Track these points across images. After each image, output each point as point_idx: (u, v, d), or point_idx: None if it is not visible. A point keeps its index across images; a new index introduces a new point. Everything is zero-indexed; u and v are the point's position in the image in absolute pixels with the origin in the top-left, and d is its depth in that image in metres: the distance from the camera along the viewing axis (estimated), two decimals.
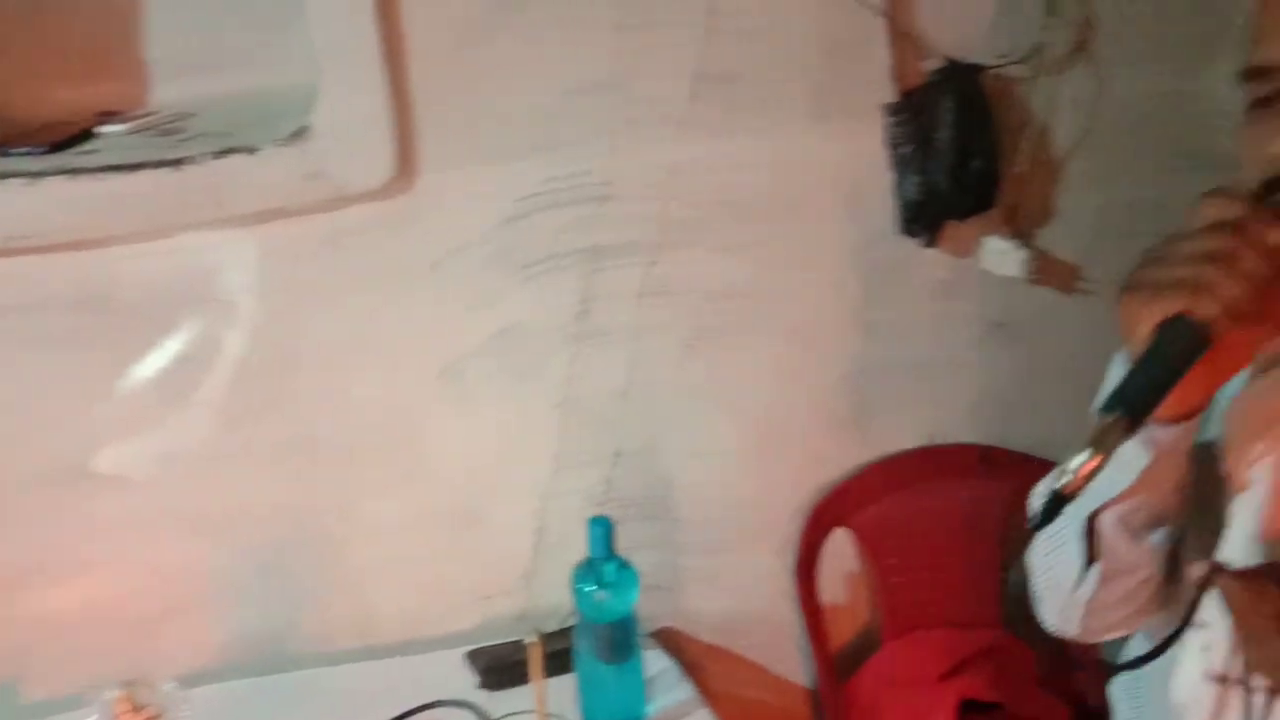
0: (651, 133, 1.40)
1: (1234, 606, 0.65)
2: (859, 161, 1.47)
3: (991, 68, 1.42)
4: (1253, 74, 0.70)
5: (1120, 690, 0.99)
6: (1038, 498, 0.78)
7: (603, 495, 1.57)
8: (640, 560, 1.61)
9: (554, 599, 1.48)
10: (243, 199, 1.31)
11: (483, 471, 1.52)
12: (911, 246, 1.52)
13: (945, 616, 1.64)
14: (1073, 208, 1.57)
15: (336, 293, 1.41)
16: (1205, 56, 1.47)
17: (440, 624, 1.54)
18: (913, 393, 1.62)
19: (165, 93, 1.37)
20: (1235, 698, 0.72)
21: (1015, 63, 1.43)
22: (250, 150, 1.29)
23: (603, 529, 1.27)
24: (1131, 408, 0.63)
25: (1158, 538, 0.80)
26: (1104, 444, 0.62)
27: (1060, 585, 0.88)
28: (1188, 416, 0.71)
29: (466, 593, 1.56)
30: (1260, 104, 0.70)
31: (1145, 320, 0.64)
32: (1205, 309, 0.61)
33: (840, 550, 1.67)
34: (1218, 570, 0.67)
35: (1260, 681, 0.69)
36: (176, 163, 1.27)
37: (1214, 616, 0.71)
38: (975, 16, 1.42)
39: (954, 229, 1.50)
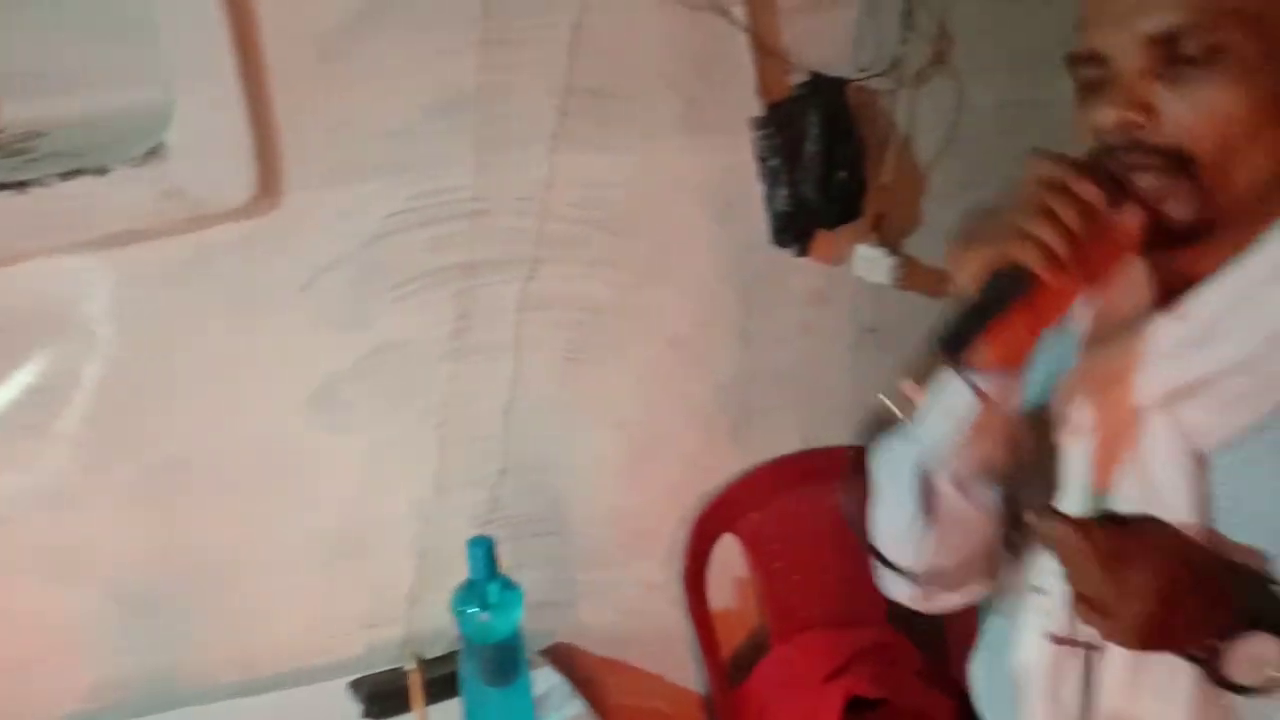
0: (522, 147, 1.40)
1: (1059, 545, 0.68)
2: (730, 174, 1.50)
3: (854, 81, 1.46)
4: (1078, 60, 0.74)
5: (976, 668, 0.99)
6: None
7: (488, 514, 1.56)
8: (530, 577, 1.60)
9: (440, 623, 1.45)
10: (95, 222, 1.26)
11: (362, 496, 1.48)
12: (784, 256, 1.55)
13: (831, 616, 1.67)
14: (938, 215, 1.62)
15: (202, 316, 1.36)
16: (1058, 66, 1.54)
17: (324, 654, 1.50)
18: (790, 398, 1.66)
19: (11, 111, 1.31)
20: (1074, 657, 0.76)
21: (877, 76, 1.48)
22: (101, 171, 1.24)
23: (483, 549, 1.25)
24: (950, 343, 0.67)
25: (988, 495, 0.82)
26: (924, 377, 0.68)
27: (897, 549, 0.86)
28: (1012, 365, 0.74)
29: (350, 621, 1.52)
30: (1087, 88, 0.73)
31: (971, 266, 0.68)
32: (1024, 255, 0.66)
33: (728, 556, 1.68)
34: (1047, 512, 0.70)
35: (1094, 638, 0.73)
36: (21, 185, 1.21)
37: (1051, 582, 0.75)
38: (837, 31, 1.46)
39: (825, 238, 1.53)
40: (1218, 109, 0.67)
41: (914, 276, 1.60)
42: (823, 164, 1.44)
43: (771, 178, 1.47)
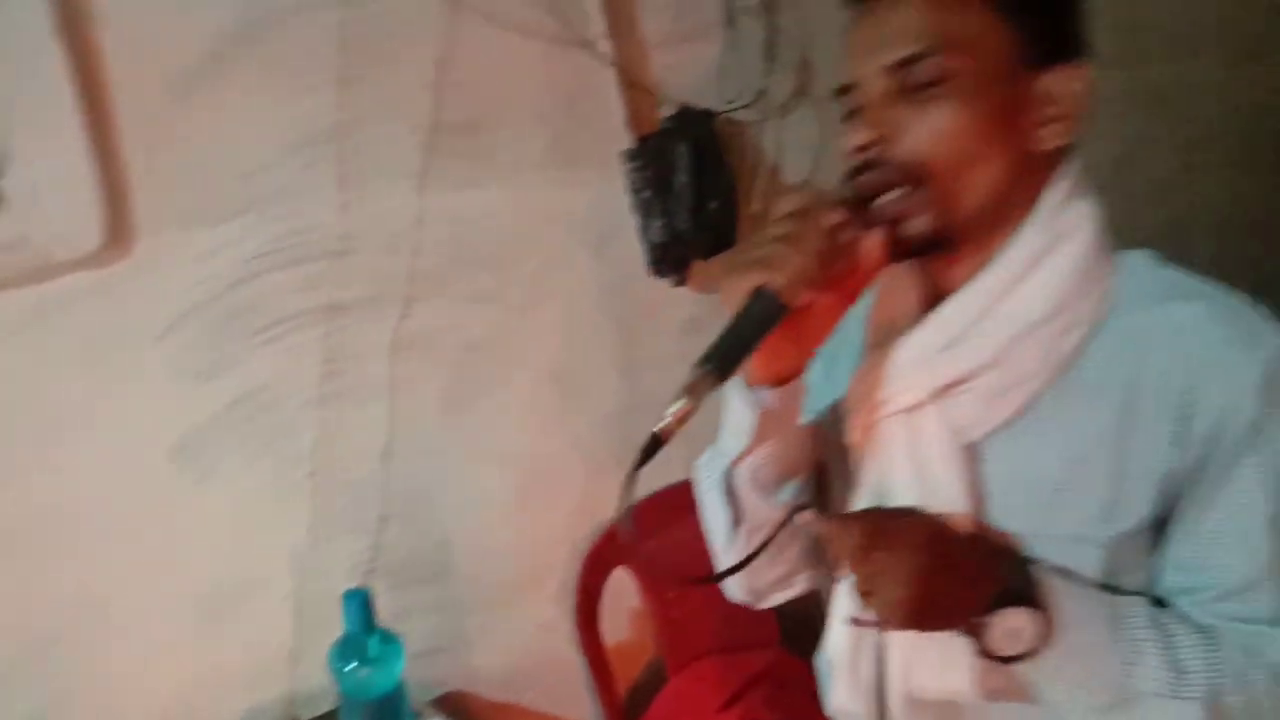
0: (388, 184, 1.37)
1: (826, 542, 0.75)
2: (603, 207, 1.50)
3: (721, 113, 1.48)
4: (840, 91, 0.81)
5: (819, 664, 1.04)
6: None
7: (370, 563, 1.51)
8: (418, 625, 1.55)
9: (323, 679, 1.39)
10: None
11: (233, 551, 1.42)
12: (663, 286, 1.55)
13: (726, 642, 1.67)
14: None
15: (55, 368, 1.29)
16: None
17: (202, 718, 1.42)
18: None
19: None
20: (868, 636, 0.83)
21: (743, 107, 1.50)
22: None
23: (358, 602, 1.21)
24: (717, 363, 0.72)
25: (787, 493, 0.88)
26: (695, 393, 0.72)
27: (720, 546, 0.93)
28: (785, 380, 0.81)
29: (228, 682, 1.44)
30: (847, 116, 0.80)
31: (734, 293, 0.74)
32: (776, 280, 0.72)
33: (621, 589, 1.67)
34: (811, 513, 0.78)
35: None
36: None
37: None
38: (703, 65, 1.48)
39: (701, 267, 1.55)
40: (947, 128, 0.75)
41: None
42: (694, 194, 1.46)
43: (645, 209, 1.47)
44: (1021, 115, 0.77)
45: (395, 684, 1.25)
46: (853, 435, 0.85)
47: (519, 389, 1.53)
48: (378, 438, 1.47)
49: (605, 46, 1.39)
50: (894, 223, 0.76)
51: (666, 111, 1.47)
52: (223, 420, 1.36)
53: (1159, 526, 0.79)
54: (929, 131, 0.75)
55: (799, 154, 1.59)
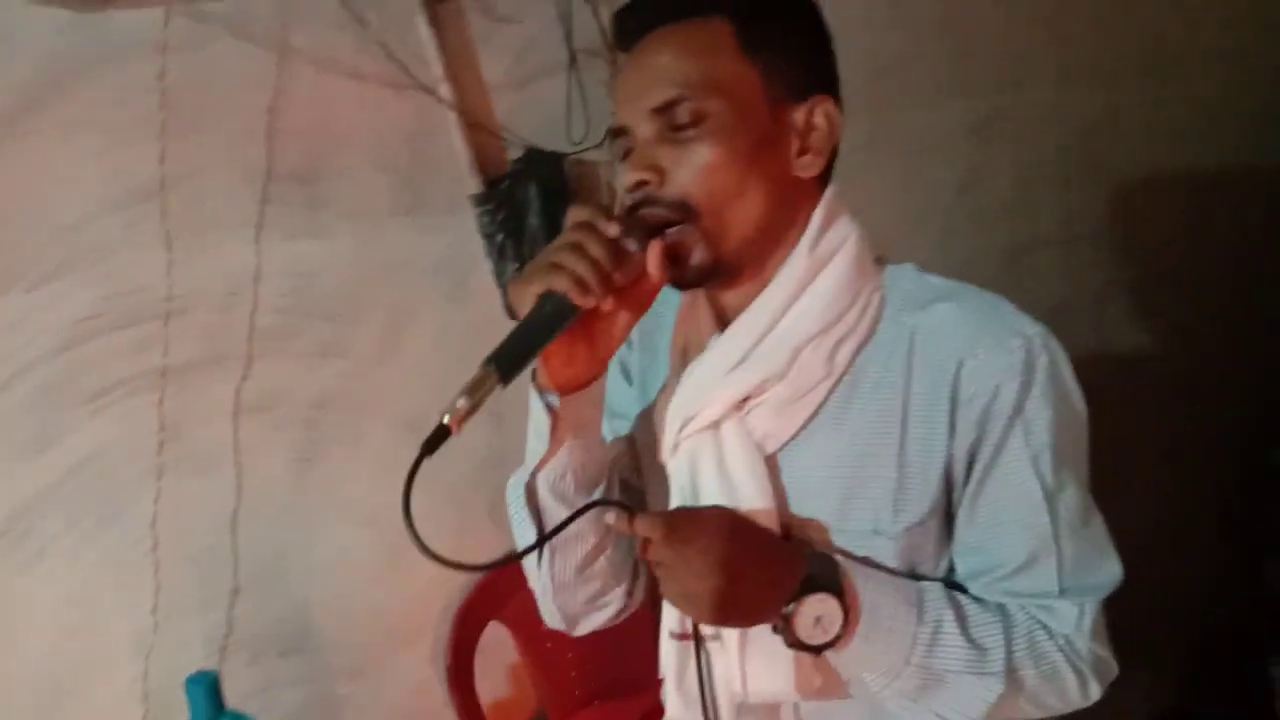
0: (221, 238, 1.31)
1: (637, 542, 0.79)
2: (457, 251, 1.46)
3: (570, 154, 1.47)
4: (611, 134, 0.87)
5: None
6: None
7: (224, 640, 1.42)
8: (284, 699, 1.47)
9: None
10: None
11: (73, 636, 1.31)
12: None
13: (608, 688, 1.64)
14: None
15: None
16: None
17: None
18: None
19: None
20: (688, 648, 0.87)
21: (593, 148, 1.49)
22: None
23: (203, 688, 1.13)
24: (501, 363, 0.73)
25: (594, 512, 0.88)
26: (475, 392, 0.73)
27: (530, 568, 0.94)
28: (579, 386, 0.82)
29: None
30: (620, 158, 0.86)
31: (522, 297, 0.76)
32: (560, 284, 0.75)
33: (498, 644, 1.62)
34: (619, 512, 0.79)
35: (707, 630, 0.84)
36: None
37: None
38: (549, 106, 1.47)
39: None
40: (708, 164, 0.80)
41: None
42: (548, 236, 1.43)
43: (498, 253, 1.44)
44: (778, 148, 0.83)
45: None
46: (662, 454, 0.90)
47: (376, 443, 1.47)
48: (225, 505, 1.39)
49: (446, 91, 1.36)
50: (674, 254, 0.81)
51: (514, 154, 1.45)
52: (52, 496, 1.27)
53: (947, 517, 0.85)
54: (693, 170, 0.80)
55: None
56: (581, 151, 1.48)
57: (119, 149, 1.23)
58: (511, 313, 1.49)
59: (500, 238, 1.43)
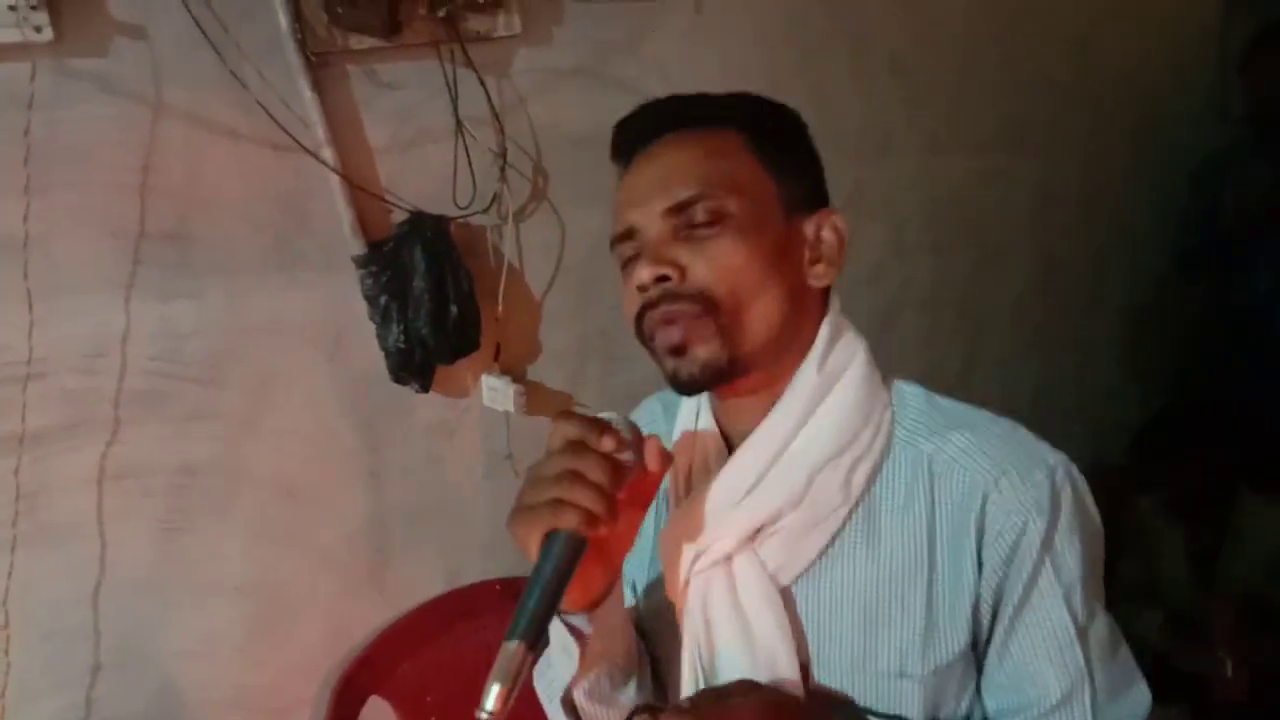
0: (86, 300, 1.25)
1: None
2: (335, 311, 1.44)
3: (456, 218, 1.47)
4: (618, 239, 0.84)
5: None
6: None
7: None
8: None
9: None
10: None
11: None
12: (408, 391, 1.50)
13: None
14: (556, 340, 1.66)
15: None
16: None
17: None
18: (428, 534, 1.59)
19: None
20: None
21: (479, 212, 1.50)
22: None
23: None
24: (527, 634, 0.66)
25: (628, 695, 0.85)
26: (511, 674, 0.64)
27: None
28: (597, 604, 0.77)
29: None
30: (627, 263, 0.83)
31: (529, 541, 0.70)
32: (568, 522, 0.69)
33: (379, 719, 1.57)
34: (643, 710, 0.76)
35: None
36: None
37: None
38: (435, 171, 1.46)
39: (446, 372, 1.51)
40: (728, 261, 0.78)
41: (539, 401, 1.62)
42: (434, 300, 1.42)
43: (383, 316, 1.43)
44: (792, 255, 0.82)
45: None
46: (670, 592, 0.85)
47: (248, 510, 1.42)
48: (85, 579, 1.32)
49: (329, 154, 1.34)
50: (682, 349, 0.79)
51: (398, 217, 1.44)
52: None
53: (972, 655, 0.82)
54: (715, 265, 0.78)
55: (539, 256, 1.60)
56: (468, 216, 1.48)
57: None
58: (398, 379, 1.47)
59: (384, 300, 1.41)
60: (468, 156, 1.46)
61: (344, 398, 1.48)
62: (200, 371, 1.35)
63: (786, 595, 0.81)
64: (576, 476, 0.70)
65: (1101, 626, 0.83)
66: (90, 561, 1.32)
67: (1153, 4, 2.73)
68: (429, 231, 1.43)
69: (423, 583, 1.61)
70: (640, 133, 0.84)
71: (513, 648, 0.65)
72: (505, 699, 0.64)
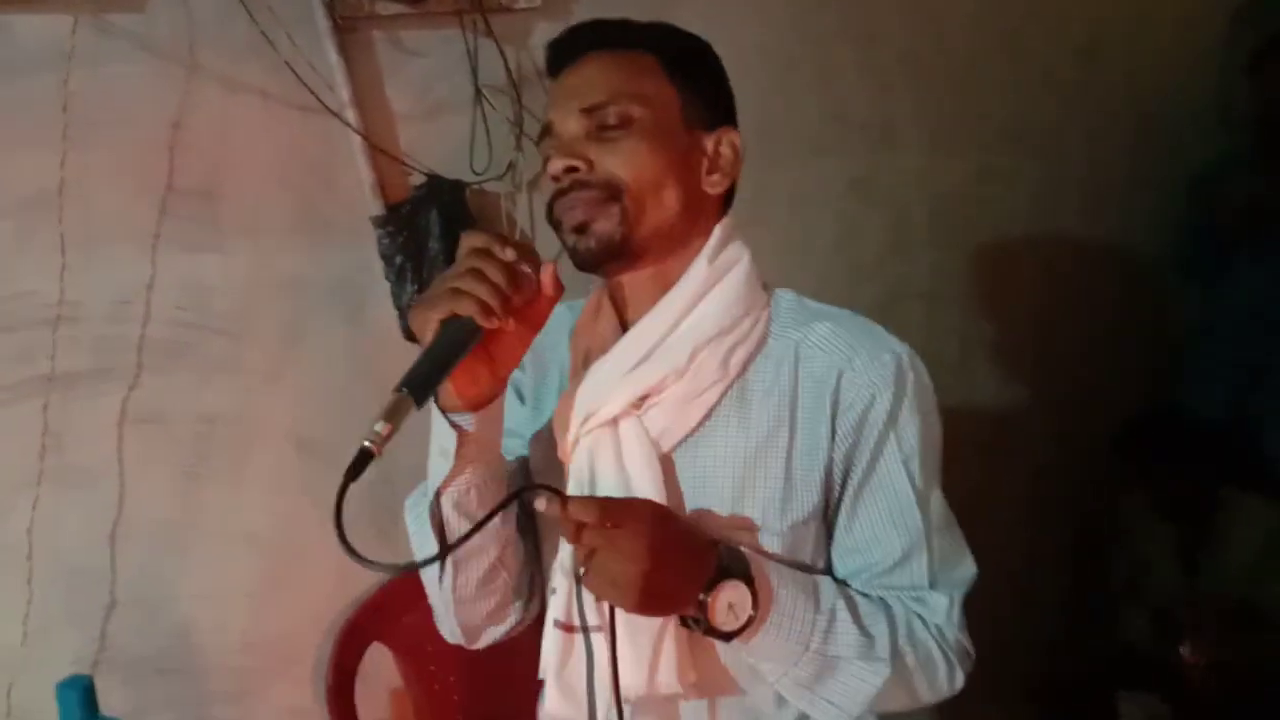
0: (116, 248, 1.31)
1: (563, 524, 0.81)
2: (356, 273, 1.49)
3: (472, 184, 1.52)
4: (542, 134, 0.94)
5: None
6: None
7: (96, 656, 1.39)
8: None
9: None
10: None
11: None
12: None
13: (490, 713, 1.65)
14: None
15: None
16: None
17: None
18: None
19: None
20: (577, 643, 0.91)
21: (494, 179, 1.55)
22: None
23: (76, 693, 1.10)
24: (414, 387, 0.77)
25: (496, 524, 0.91)
26: (393, 416, 0.76)
27: (430, 588, 0.97)
28: (482, 404, 0.86)
29: None
30: (546, 156, 0.93)
31: (427, 323, 0.80)
32: (464, 309, 0.78)
33: (380, 667, 1.62)
34: (552, 496, 0.81)
35: (593, 621, 0.88)
36: None
37: (559, 579, 0.92)
38: (453, 137, 1.52)
39: None
40: (632, 157, 0.89)
41: None
42: (448, 261, 1.46)
43: (398, 276, 1.48)
44: (690, 162, 0.93)
45: None
46: (561, 452, 0.94)
47: (264, 462, 1.47)
48: (104, 519, 1.37)
49: (352, 115, 1.40)
50: (584, 226, 0.89)
51: (416, 181, 1.49)
52: None
53: (825, 519, 0.93)
54: (621, 158, 0.89)
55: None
56: (483, 182, 1.54)
57: (19, 152, 1.23)
58: (409, 335, 1.51)
59: (400, 260, 1.47)
60: (485, 125, 1.52)
61: (362, 358, 1.53)
62: (224, 324, 1.40)
63: (666, 461, 0.91)
64: (477, 273, 0.79)
65: (938, 501, 0.95)
66: (110, 502, 1.37)
67: (1158, 13, 2.78)
68: (446, 196, 1.49)
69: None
70: (568, 49, 0.95)
71: (399, 395, 0.76)
72: (385, 437, 0.76)
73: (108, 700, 1.22)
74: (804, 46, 1.93)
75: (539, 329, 0.87)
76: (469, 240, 0.83)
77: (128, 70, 1.28)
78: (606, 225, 0.88)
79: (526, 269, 0.82)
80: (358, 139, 1.41)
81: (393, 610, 1.60)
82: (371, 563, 0.78)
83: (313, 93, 1.36)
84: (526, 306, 0.83)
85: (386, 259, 1.47)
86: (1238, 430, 2.46)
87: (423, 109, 1.49)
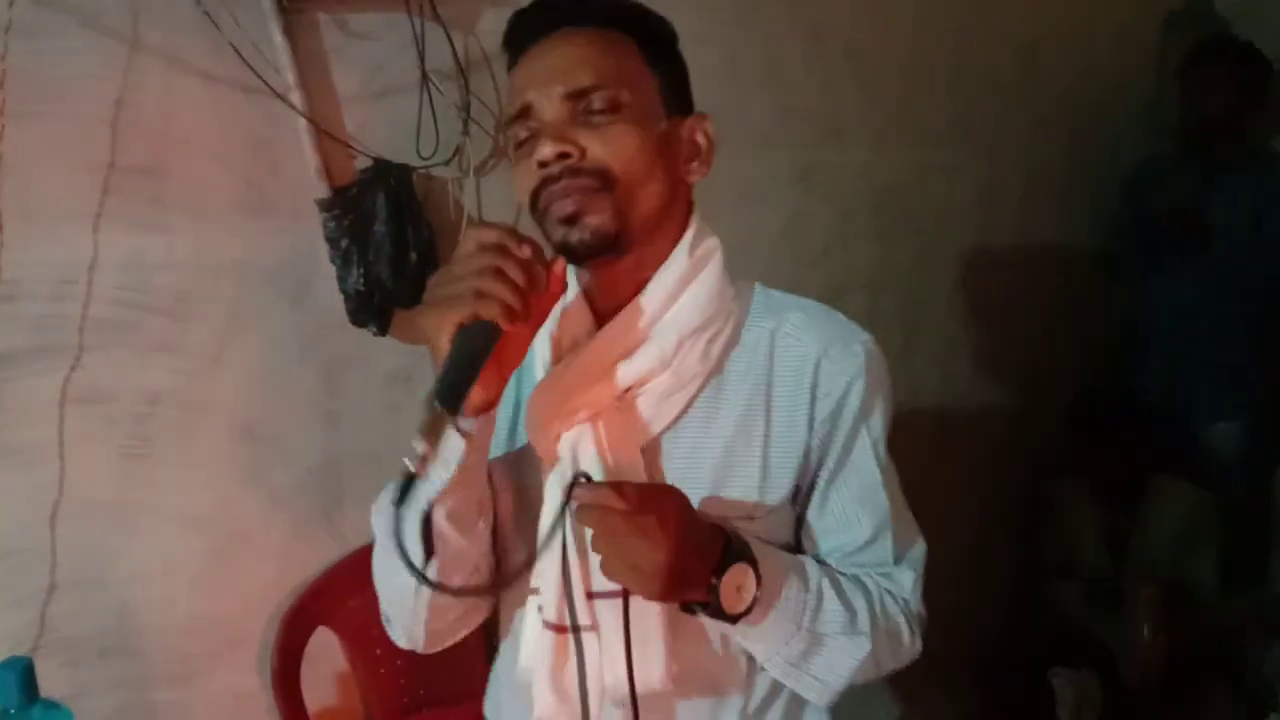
0: (58, 227, 1.30)
1: (592, 510, 0.79)
2: (300, 256, 1.49)
3: (419, 168, 1.53)
4: (514, 118, 0.88)
5: (490, 700, 1.12)
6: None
7: (36, 639, 1.37)
8: (98, 704, 1.43)
9: None
10: None
11: None
12: (368, 337, 1.55)
13: (435, 697, 1.66)
14: None
15: None
16: None
17: None
18: (384, 479, 1.63)
19: None
20: (567, 640, 0.88)
21: (441, 164, 1.56)
22: None
23: (15, 675, 1.08)
24: (448, 399, 0.73)
25: (483, 525, 0.91)
26: (433, 432, 0.73)
27: (404, 595, 0.93)
28: (489, 407, 0.83)
29: None
30: (522, 142, 0.88)
31: (444, 329, 0.75)
32: (488, 311, 0.75)
33: (326, 650, 1.62)
34: (583, 479, 0.81)
35: (584, 621, 0.87)
36: None
37: (545, 580, 0.89)
38: (400, 122, 1.52)
39: (405, 318, 1.56)
40: (623, 145, 0.85)
41: None
42: (394, 245, 1.48)
43: (344, 259, 1.48)
44: (672, 148, 0.90)
45: None
46: (540, 448, 0.91)
47: (208, 444, 1.47)
48: (43, 500, 1.36)
49: (297, 98, 1.40)
50: (576, 217, 0.84)
51: (362, 164, 1.50)
52: None
53: (798, 505, 0.94)
54: (613, 146, 0.85)
55: (498, 210, 1.66)
56: (430, 167, 1.54)
57: None
58: (356, 321, 1.53)
59: (345, 244, 1.47)
60: (432, 110, 1.52)
61: (306, 342, 1.54)
62: (166, 304, 1.39)
63: (648, 452, 0.90)
64: (499, 272, 0.76)
65: (895, 480, 0.97)
66: (50, 483, 1.36)
67: (1098, 18, 2.85)
68: (392, 179, 1.49)
69: (361, 529, 1.66)
70: (538, 24, 0.89)
71: (434, 409, 0.73)
72: (426, 455, 0.73)
73: (48, 684, 1.21)
74: (752, 39, 1.96)
75: (541, 324, 0.86)
76: (480, 235, 0.78)
77: (68, 45, 1.27)
78: (598, 218, 0.85)
79: (540, 269, 0.79)
80: (303, 121, 1.41)
81: (338, 594, 1.60)
82: (456, 590, 0.83)
83: (257, 74, 1.36)
84: (536, 303, 0.80)
85: (332, 242, 1.48)
86: (1167, 419, 2.55)
87: (369, 92, 1.49)
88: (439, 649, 0.99)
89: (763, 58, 2.00)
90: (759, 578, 0.84)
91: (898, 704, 2.56)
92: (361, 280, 1.48)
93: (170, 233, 1.38)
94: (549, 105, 0.86)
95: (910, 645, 0.97)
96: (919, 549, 0.99)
